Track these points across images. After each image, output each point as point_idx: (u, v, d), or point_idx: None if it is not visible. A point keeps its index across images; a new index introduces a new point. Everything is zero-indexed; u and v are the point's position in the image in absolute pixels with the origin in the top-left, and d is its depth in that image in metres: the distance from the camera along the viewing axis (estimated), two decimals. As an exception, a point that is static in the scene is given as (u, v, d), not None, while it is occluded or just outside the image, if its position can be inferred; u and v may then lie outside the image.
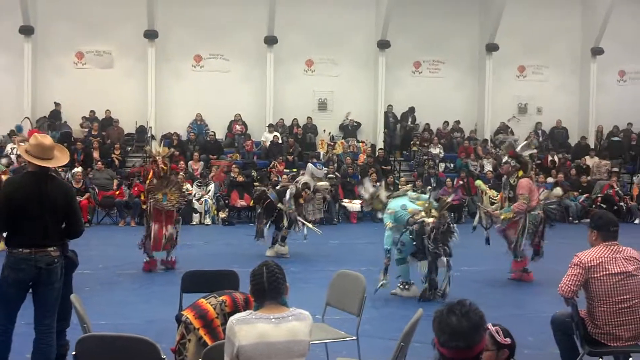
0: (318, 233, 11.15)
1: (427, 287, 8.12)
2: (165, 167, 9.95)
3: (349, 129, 20.82)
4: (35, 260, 4.74)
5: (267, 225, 11.13)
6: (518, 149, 9.52)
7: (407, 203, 8.40)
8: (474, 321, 2.67)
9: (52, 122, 19.31)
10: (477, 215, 9.66)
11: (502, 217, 9.19)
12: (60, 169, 15.35)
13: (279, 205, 10.97)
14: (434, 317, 2.75)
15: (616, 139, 21.82)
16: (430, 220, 8.07)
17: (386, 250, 8.39)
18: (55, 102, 19.52)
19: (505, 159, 9.61)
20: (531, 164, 9.61)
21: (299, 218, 11.05)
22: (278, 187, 11.55)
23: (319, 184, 11.65)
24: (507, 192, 9.40)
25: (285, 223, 10.99)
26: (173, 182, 10.02)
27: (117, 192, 15.80)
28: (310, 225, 11.08)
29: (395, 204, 8.44)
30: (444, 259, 8.08)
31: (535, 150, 10.14)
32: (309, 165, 12.40)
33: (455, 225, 8.38)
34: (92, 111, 19.76)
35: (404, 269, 8.42)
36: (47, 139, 4.93)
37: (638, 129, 22.16)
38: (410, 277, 8.43)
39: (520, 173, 9.28)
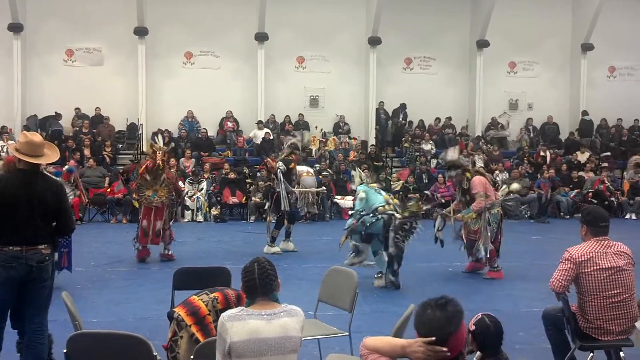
0: (322, 190, 11.35)
1: (390, 276, 8.41)
2: (161, 163, 10.18)
3: (340, 126, 20.85)
4: (26, 258, 4.72)
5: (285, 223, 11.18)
6: (448, 158, 9.66)
7: (374, 195, 8.68)
8: (448, 313, 2.68)
9: (43, 121, 19.24)
10: (438, 221, 9.50)
11: (465, 218, 9.23)
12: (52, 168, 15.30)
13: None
14: (415, 314, 2.76)
15: (587, 117, 21.97)
16: (399, 215, 8.47)
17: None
18: (56, 112, 19.38)
19: (448, 174, 9.84)
20: (471, 163, 9.68)
21: (299, 190, 11.15)
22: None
23: (306, 139, 11.89)
24: (463, 198, 9.46)
25: (286, 204, 10.98)
26: (163, 179, 10.20)
27: (109, 190, 15.74)
28: (312, 189, 11.29)
29: (365, 188, 8.87)
30: (385, 253, 8.43)
31: (456, 151, 10.22)
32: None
33: (419, 226, 8.56)
34: (77, 108, 19.68)
35: (380, 260, 8.60)
36: (36, 137, 4.92)
37: (628, 125, 22.27)
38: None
39: (468, 174, 9.35)
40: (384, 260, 8.54)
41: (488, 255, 9.16)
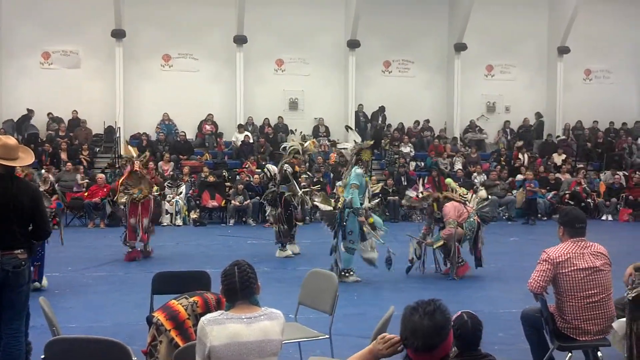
0: (318, 188, 12.19)
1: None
2: (141, 169, 10.83)
3: (319, 129, 20.88)
4: (2, 263, 4.66)
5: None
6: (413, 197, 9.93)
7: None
8: (436, 321, 2.59)
9: (19, 124, 19.03)
10: (411, 249, 9.56)
11: (435, 246, 9.42)
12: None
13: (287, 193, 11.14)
14: (402, 319, 2.71)
15: (542, 119, 22.47)
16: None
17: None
18: (27, 109, 19.17)
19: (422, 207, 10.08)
20: (436, 195, 9.81)
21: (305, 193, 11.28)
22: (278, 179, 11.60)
23: (306, 144, 11.90)
24: (433, 223, 9.69)
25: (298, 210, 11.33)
26: (146, 179, 10.78)
27: (86, 194, 15.58)
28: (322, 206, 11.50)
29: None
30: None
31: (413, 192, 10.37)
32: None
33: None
34: (49, 113, 19.44)
35: (350, 258, 9.03)
36: (11, 140, 4.87)
37: (604, 127, 22.55)
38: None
39: (435, 205, 9.50)
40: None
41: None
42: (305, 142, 11.83)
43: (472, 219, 9.33)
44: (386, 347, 2.76)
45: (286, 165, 11.23)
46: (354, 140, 9.66)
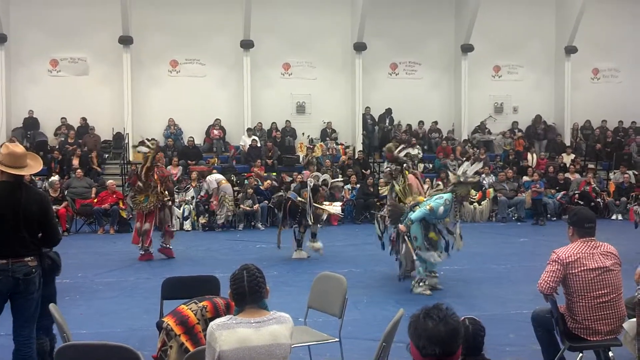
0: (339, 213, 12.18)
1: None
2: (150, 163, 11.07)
3: (327, 132, 20.90)
4: (13, 271, 4.67)
5: (299, 229, 11.40)
6: (396, 152, 9.67)
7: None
8: (451, 326, 2.60)
9: (27, 131, 19.13)
10: (376, 222, 9.60)
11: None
12: (37, 178, 15.28)
13: (299, 200, 11.29)
14: (410, 322, 2.68)
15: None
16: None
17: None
18: (29, 111, 19.30)
19: (385, 165, 9.89)
20: (411, 162, 9.69)
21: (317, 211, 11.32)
22: (293, 186, 12.03)
23: (333, 181, 12.27)
24: (394, 195, 9.42)
25: (310, 219, 11.15)
26: (153, 187, 10.99)
27: (95, 200, 15.64)
28: (330, 208, 11.49)
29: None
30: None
31: (416, 151, 10.13)
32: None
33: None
34: (63, 118, 19.57)
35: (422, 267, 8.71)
36: (18, 147, 4.88)
37: (612, 126, 22.46)
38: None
39: (407, 172, 9.44)
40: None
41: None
42: (313, 146, 11.99)
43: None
44: None
45: (310, 179, 11.47)
46: (464, 171, 8.96)
